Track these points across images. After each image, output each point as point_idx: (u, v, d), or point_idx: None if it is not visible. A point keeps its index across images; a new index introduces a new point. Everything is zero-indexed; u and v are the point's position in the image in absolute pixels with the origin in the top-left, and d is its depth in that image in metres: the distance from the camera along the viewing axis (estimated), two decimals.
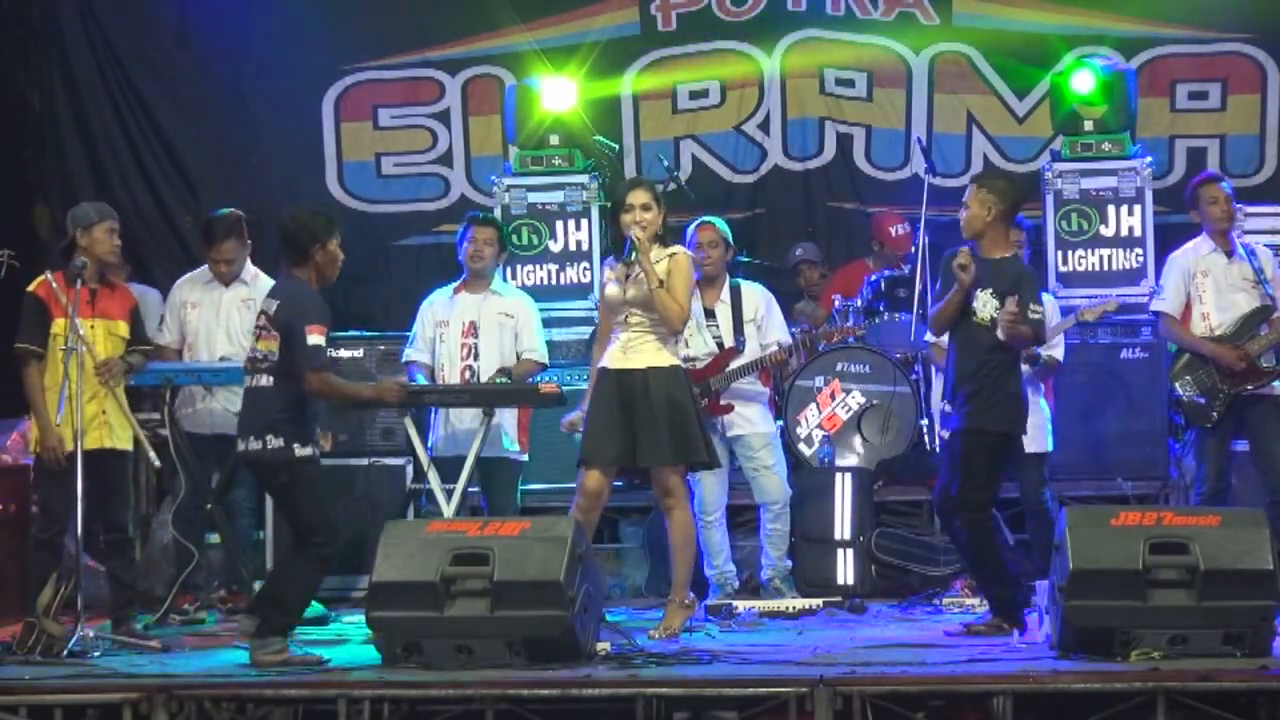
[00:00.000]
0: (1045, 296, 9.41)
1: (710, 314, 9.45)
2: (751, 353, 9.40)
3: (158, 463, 8.85)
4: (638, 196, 8.21)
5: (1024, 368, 9.07)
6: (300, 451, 7.73)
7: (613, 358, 8.23)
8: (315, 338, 7.69)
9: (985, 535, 8.21)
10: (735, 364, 9.36)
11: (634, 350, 8.18)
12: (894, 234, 11.16)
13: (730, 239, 9.63)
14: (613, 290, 8.24)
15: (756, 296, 9.55)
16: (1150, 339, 10.13)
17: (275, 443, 7.73)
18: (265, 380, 7.80)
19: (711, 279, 9.45)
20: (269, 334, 7.81)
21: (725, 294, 9.50)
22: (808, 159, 12.09)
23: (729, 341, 9.41)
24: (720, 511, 9.39)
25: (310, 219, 7.93)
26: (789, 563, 9.44)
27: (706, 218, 9.61)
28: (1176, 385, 9.32)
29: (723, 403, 9.32)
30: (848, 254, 11.65)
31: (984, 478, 8.16)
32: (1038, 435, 9.10)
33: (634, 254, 8.08)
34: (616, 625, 8.14)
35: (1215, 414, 9.18)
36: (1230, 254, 9.32)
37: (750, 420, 9.41)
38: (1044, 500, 9.16)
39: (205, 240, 9.71)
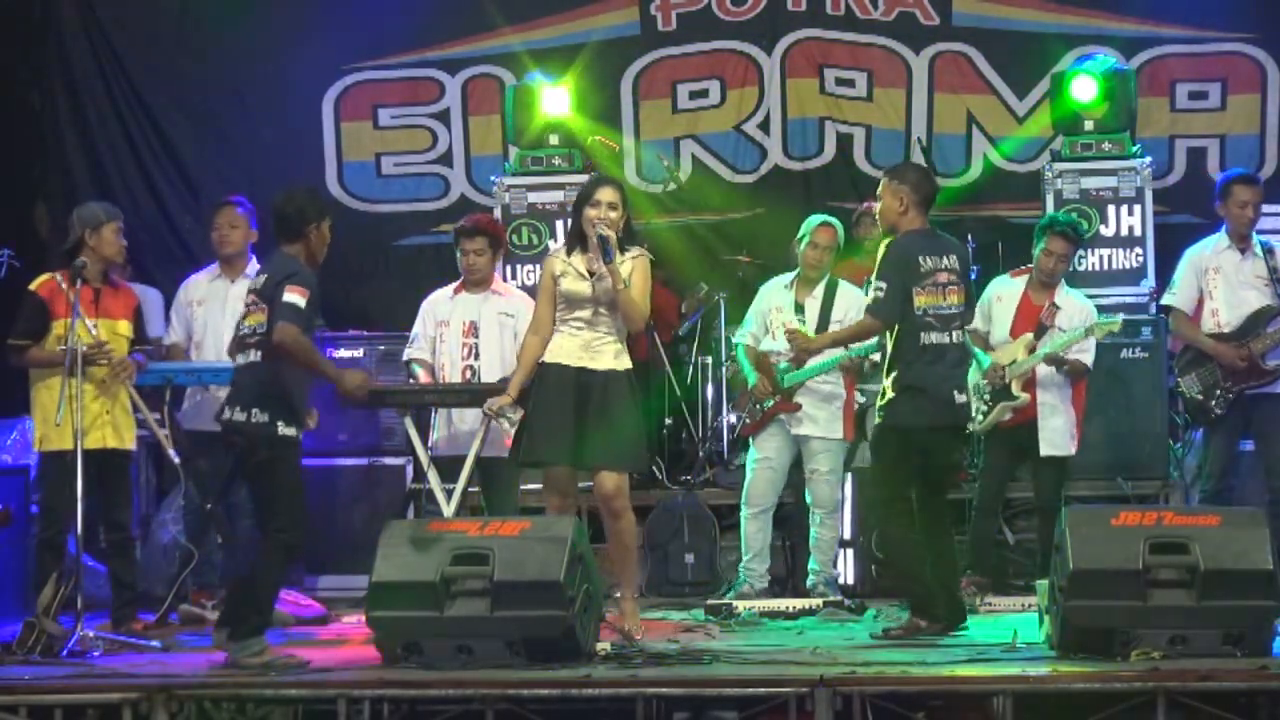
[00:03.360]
0: (1071, 296, 9.38)
1: (800, 309, 9.42)
2: (830, 352, 9.32)
3: (177, 458, 8.83)
4: (606, 194, 8.09)
5: (1050, 370, 9.09)
6: (284, 430, 7.59)
7: (570, 354, 8.06)
8: (293, 296, 7.56)
9: (890, 530, 8.23)
10: (811, 363, 9.32)
11: (597, 351, 8.06)
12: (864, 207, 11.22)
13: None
14: (578, 285, 8.06)
15: (850, 298, 9.43)
16: (1150, 339, 10.11)
17: (260, 417, 7.59)
18: (254, 355, 7.68)
19: (812, 279, 9.44)
20: (257, 308, 7.70)
21: (820, 290, 9.44)
22: (808, 159, 12.09)
23: None
24: (764, 505, 9.39)
25: (306, 199, 7.88)
26: (835, 571, 9.40)
27: (827, 219, 9.55)
28: (1180, 381, 9.29)
29: (794, 400, 9.34)
30: (847, 254, 11.63)
31: (877, 471, 8.25)
32: (1055, 439, 9.15)
33: (607, 253, 7.96)
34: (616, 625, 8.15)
35: (1217, 411, 9.15)
36: (1245, 251, 9.29)
37: (816, 422, 9.37)
38: (1056, 503, 8.95)
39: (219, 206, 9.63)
